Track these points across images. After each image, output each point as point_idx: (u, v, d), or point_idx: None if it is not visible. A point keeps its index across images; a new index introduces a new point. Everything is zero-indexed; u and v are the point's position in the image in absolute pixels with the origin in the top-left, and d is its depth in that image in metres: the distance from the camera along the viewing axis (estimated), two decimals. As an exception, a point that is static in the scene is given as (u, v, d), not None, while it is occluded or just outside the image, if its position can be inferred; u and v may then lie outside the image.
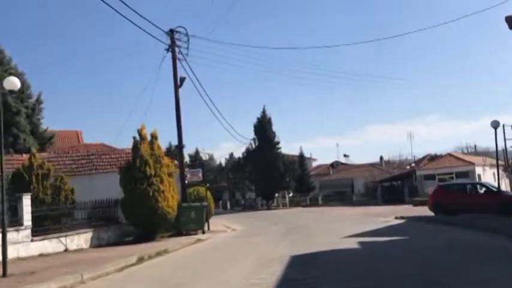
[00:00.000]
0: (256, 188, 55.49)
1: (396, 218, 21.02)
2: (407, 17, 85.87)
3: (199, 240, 16.94)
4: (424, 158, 60.92)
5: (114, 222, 16.66)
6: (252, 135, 52.62)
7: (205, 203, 20.81)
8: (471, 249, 10.63)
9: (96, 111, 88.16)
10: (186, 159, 66.52)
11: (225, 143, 67.65)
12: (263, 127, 52.68)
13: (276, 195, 54.21)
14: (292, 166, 54.83)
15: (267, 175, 49.67)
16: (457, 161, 45.49)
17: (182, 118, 21.39)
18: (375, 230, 16.30)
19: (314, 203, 51.75)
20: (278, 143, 53.32)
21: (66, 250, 14.14)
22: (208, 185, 56.33)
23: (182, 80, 22.02)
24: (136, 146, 16.54)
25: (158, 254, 12.93)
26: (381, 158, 66.38)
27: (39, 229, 13.92)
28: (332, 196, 54.55)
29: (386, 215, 23.48)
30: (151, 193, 15.73)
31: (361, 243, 12.38)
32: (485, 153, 56.02)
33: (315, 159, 72.16)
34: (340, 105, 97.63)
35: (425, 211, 22.75)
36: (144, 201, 15.65)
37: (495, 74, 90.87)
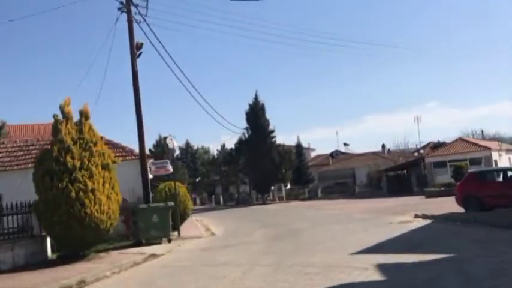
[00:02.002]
0: (250, 181, 51.00)
1: (416, 216, 16.26)
2: None
3: (152, 256, 12.24)
4: (426, 145, 56.51)
5: (27, 235, 11.83)
6: (244, 123, 48.01)
7: (171, 203, 16.21)
8: None
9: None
10: (177, 152, 62.20)
11: (224, 136, 62.98)
12: (256, 114, 48.04)
13: (272, 188, 49.63)
14: (289, 156, 50.25)
15: (261, 167, 45.06)
16: (470, 146, 40.54)
17: (142, 95, 16.98)
18: (395, 238, 11.52)
19: (313, 196, 47.39)
20: (272, 131, 48.68)
21: None
22: (199, 178, 51.62)
23: (139, 46, 17.44)
24: (56, 127, 11.67)
25: (63, 290, 8.22)
26: (383, 146, 62.06)
27: None
28: (332, 188, 50.28)
29: (400, 212, 18.78)
30: (73, 194, 10.87)
31: (383, 268, 7.66)
32: (495, 139, 51.59)
33: (313, 149, 67.81)
34: (337, 91, 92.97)
35: (443, 204, 18.80)
36: (64, 205, 10.83)
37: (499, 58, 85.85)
